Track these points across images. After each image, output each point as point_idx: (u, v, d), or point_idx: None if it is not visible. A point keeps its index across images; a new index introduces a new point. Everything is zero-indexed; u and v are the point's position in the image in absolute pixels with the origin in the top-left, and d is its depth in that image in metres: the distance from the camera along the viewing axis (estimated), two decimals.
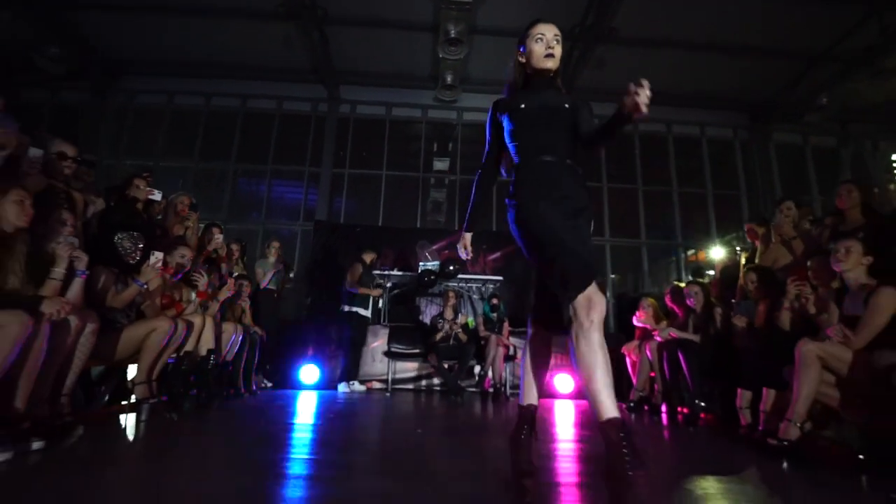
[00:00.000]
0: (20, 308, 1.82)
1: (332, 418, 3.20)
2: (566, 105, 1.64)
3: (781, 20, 6.32)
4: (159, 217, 3.61)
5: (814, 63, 7.08)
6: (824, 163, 8.44)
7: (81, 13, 6.63)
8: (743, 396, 2.96)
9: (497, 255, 7.16)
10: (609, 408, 1.32)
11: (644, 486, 1.48)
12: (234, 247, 4.58)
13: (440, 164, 8.40)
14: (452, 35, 6.11)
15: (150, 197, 3.36)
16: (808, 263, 2.85)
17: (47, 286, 2.16)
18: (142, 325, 2.71)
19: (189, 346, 3.01)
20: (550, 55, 1.67)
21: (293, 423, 2.89)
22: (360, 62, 7.52)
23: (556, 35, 1.69)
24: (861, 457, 2.07)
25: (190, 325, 2.96)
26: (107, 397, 2.94)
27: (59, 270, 2.21)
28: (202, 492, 1.47)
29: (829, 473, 2.04)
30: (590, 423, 3.04)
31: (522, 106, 1.66)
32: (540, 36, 1.68)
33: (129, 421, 2.61)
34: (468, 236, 1.87)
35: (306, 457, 1.98)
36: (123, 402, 3.06)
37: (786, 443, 2.20)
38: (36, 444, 1.77)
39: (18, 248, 2.06)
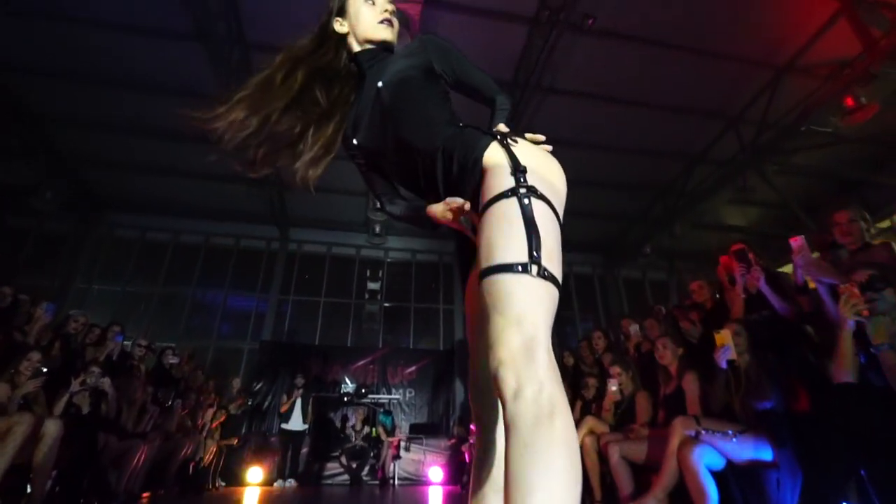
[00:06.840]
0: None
1: None
2: None
3: (612, 197, 9.33)
4: None
5: (633, 223, 10.18)
6: (658, 291, 11.40)
7: (82, 167, 8.27)
8: None
9: (412, 368, 9.01)
10: None
11: None
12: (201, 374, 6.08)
13: (373, 286, 10.46)
14: (378, 206, 8.40)
15: None
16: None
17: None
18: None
19: None
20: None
21: None
22: (309, 211, 9.64)
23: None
24: None
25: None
26: None
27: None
28: None
29: None
30: None
31: None
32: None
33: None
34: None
35: None
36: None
37: None
38: None
39: None
